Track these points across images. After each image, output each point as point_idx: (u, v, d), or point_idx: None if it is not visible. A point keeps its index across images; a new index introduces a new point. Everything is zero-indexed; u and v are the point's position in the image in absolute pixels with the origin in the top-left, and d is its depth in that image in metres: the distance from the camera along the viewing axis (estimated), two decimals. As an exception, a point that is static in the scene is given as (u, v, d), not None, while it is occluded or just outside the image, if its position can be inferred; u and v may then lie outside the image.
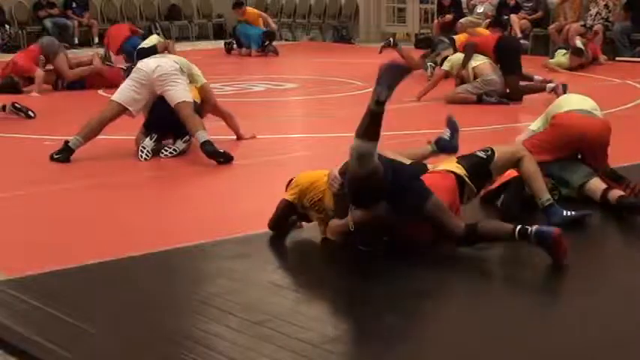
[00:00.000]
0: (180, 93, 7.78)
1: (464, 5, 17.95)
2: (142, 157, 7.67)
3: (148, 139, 7.78)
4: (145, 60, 8.12)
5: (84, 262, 4.93)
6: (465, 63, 10.95)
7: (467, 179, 5.36)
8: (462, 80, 11.01)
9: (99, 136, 7.86)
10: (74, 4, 19.77)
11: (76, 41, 19.28)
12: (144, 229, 5.72)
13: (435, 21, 18.49)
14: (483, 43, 11.27)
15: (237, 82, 13.11)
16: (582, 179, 6.05)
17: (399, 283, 4.65)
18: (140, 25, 17.95)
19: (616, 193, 5.88)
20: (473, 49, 11.10)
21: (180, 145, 7.84)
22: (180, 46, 18.24)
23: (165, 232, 5.58)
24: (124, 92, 7.89)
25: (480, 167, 5.45)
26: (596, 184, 6.03)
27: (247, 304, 4.32)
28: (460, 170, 5.37)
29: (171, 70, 7.84)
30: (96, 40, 19.54)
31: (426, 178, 5.16)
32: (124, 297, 4.50)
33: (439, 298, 4.58)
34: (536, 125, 6.46)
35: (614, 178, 6.19)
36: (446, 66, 11.22)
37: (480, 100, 10.67)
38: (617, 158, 6.61)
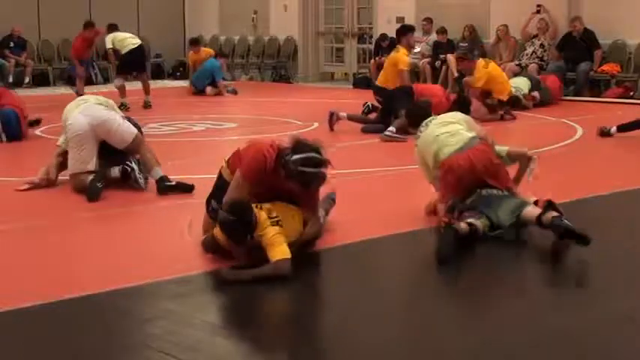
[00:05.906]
0: (126, 133, 7.71)
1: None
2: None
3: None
4: (73, 119, 7.80)
5: (15, 306, 4.81)
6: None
7: None
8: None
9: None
10: (12, 44, 19.58)
11: (10, 80, 19.02)
12: (81, 270, 5.63)
13: (372, 61, 18.67)
14: (437, 105, 10.44)
15: (177, 121, 13.06)
16: (510, 219, 6.09)
17: (335, 318, 4.65)
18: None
19: (550, 214, 5.89)
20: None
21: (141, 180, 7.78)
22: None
23: (102, 274, 5.49)
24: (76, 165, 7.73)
25: None
26: (531, 211, 6.06)
27: (188, 345, 4.28)
28: None
29: (102, 115, 7.76)
30: (27, 79, 19.35)
31: None
32: (60, 340, 4.41)
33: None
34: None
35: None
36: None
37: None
38: (557, 195, 6.69)
